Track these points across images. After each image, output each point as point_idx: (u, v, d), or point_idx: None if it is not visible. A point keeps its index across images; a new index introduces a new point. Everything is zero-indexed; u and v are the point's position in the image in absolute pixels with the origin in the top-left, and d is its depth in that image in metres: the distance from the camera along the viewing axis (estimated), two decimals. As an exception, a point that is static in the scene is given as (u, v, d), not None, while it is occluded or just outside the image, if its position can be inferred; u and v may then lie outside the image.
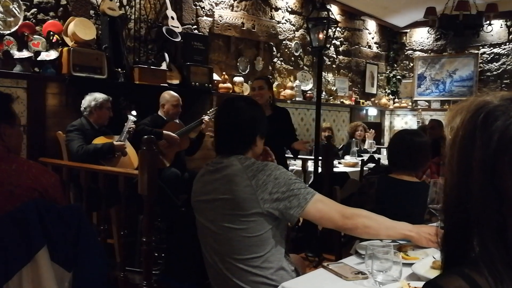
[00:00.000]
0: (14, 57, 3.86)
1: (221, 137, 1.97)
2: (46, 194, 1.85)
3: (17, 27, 3.95)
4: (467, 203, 0.82)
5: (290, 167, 5.17)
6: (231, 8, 6.03)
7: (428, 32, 8.35)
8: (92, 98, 3.92)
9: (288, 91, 6.75)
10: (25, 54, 3.91)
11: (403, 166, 2.45)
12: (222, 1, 5.91)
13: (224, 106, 2.07)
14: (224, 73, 5.86)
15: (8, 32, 3.90)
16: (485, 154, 0.80)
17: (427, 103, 8.96)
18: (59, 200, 1.90)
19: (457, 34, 7.55)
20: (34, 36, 4.05)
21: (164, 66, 4.84)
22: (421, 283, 1.49)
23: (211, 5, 5.76)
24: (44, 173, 1.92)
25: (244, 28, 6.13)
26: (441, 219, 1.89)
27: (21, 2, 3.98)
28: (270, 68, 6.76)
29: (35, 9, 4.14)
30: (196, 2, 5.56)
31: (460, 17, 6.73)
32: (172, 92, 4.44)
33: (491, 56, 8.29)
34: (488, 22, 6.90)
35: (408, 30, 9.25)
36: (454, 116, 0.87)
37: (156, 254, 3.19)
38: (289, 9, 7.00)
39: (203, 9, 5.67)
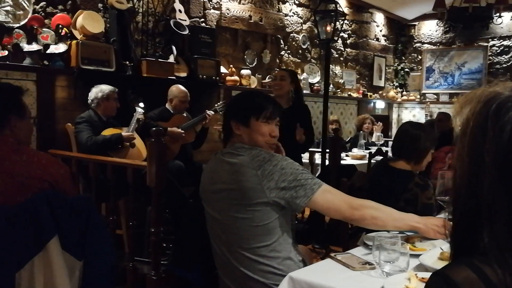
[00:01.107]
0: (24, 50, 3.88)
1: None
2: (56, 184, 1.87)
3: (26, 20, 3.97)
4: (477, 194, 0.81)
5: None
6: (238, 1, 6.02)
7: (437, 25, 8.30)
8: (98, 90, 3.95)
9: (295, 84, 6.74)
10: (34, 47, 3.94)
11: (399, 155, 2.57)
12: (230, -6, 5.91)
13: None
14: (231, 66, 5.86)
15: (18, 25, 3.93)
16: (497, 145, 0.80)
17: (435, 96, 8.92)
18: (69, 191, 1.92)
19: (466, 27, 7.52)
20: (43, 29, 4.07)
21: (171, 59, 4.86)
22: (429, 274, 1.50)
23: (219, -3, 5.76)
24: (54, 164, 1.94)
25: (252, 21, 6.13)
26: (449, 210, 1.90)
27: (30, -5, 4.00)
28: (278, 61, 6.75)
29: (44, 3, 4.16)
30: (203, -5, 5.56)
31: (469, 9, 6.69)
32: (180, 87, 4.46)
33: (501, 48, 8.23)
34: (498, 14, 6.86)
35: (416, 23, 9.19)
36: (463, 106, 0.87)
37: (164, 245, 3.22)
38: (297, 2, 6.98)
39: (211, 2, 5.67)
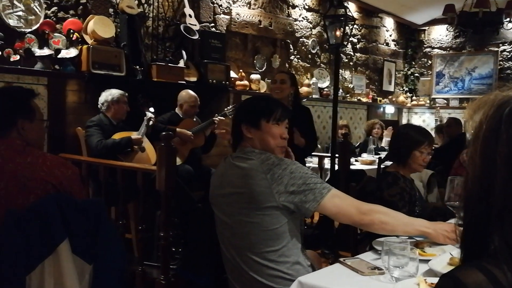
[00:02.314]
0: (35, 54, 3.92)
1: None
2: (61, 186, 1.85)
3: (38, 25, 4.01)
4: (489, 196, 0.81)
5: (307, 164, 5.17)
6: (248, 6, 6.04)
7: (447, 30, 8.25)
8: (108, 94, 3.99)
9: (304, 89, 6.75)
10: (45, 51, 3.98)
11: (390, 157, 2.63)
12: (239, -1, 5.93)
13: None
14: (241, 70, 5.88)
15: (30, 30, 3.97)
16: (509, 148, 0.81)
17: (445, 101, 8.87)
18: (76, 193, 1.90)
19: (476, 32, 7.47)
20: (55, 34, 4.11)
21: (181, 63, 4.88)
22: (438, 279, 1.49)
23: (229, 3, 5.78)
24: (60, 165, 1.92)
25: (261, 26, 6.14)
26: (458, 214, 1.88)
27: (42, 1, 4.05)
28: (287, 65, 6.76)
29: (56, 8, 4.21)
30: (213, 0, 5.59)
31: (479, 14, 6.65)
32: (190, 92, 4.47)
33: (511, 53, 8.17)
34: (508, 19, 6.81)
35: (426, 28, 9.16)
36: (476, 110, 0.87)
37: (173, 249, 3.23)
38: (306, 7, 6.99)
39: (221, 7, 5.69)
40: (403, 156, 2.47)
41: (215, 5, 5.62)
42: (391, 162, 2.67)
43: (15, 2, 3.89)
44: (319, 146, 6.28)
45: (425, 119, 9.12)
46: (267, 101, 2.04)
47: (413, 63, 9.34)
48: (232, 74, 5.61)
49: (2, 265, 1.56)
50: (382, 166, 5.05)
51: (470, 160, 0.86)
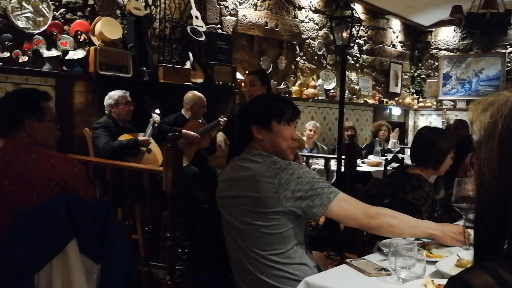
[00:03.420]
0: (43, 56, 3.96)
1: (232, 131, 2.03)
2: (65, 184, 1.86)
3: (46, 26, 4.04)
4: (506, 196, 0.80)
5: (313, 166, 5.16)
6: (254, 7, 6.05)
7: (454, 31, 8.24)
8: (107, 98, 4.01)
9: (311, 90, 6.75)
10: (53, 53, 4.01)
11: (416, 161, 2.58)
12: (246, 1, 5.94)
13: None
14: (247, 72, 5.88)
15: (38, 31, 4.00)
16: None
17: (452, 103, 8.84)
18: (80, 190, 1.91)
19: (484, 33, 7.44)
20: (63, 35, 4.14)
21: (188, 65, 4.90)
22: (445, 281, 1.49)
23: (235, 4, 5.80)
24: (65, 163, 1.94)
25: (268, 27, 6.15)
26: (466, 215, 1.88)
27: (50, 2, 4.07)
28: (293, 67, 6.77)
29: (64, 9, 4.23)
30: (220, 2, 5.61)
31: (487, 15, 6.63)
32: (198, 93, 4.48)
33: (519, 55, 8.14)
34: (516, 20, 6.77)
35: (433, 29, 9.14)
36: (485, 110, 0.86)
37: (179, 250, 3.23)
38: (313, 8, 7.00)
39: (227, 9, 5.71)
40: (437, 160, 2.48)
41: (221, 6, 5.63)
42: (412, 165, 2.63)
43: (24, 4, 3.92)
44: (325, 147, 6.29)
45: (431, 121, 9.08)
46: (278, 102, 2.00)
47: (420, 64, 9.32)
48: (238, 76, 5.62)
49: (11, 264, 1.57)
50: (388, 168, 5.04)
51: (485, 160, 0.84)
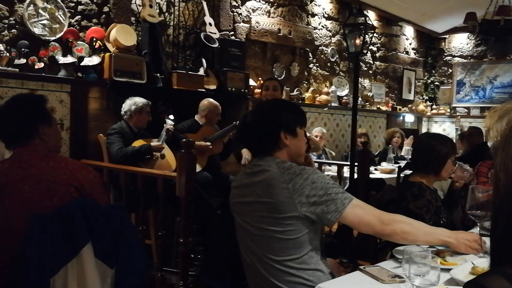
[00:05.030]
0: (59, 62, 4.01)
1: (251, 136, 2.03)
2: (83, 189, 1.88)
3: (62, 33, 4.10)
4: None
5: (326, 172, 5.15)
6: (267, 14, 6.08)
7: (468, 38, 8.18)
8: (132, 102, 4.03)
9: (323, 97, 6.75)
10: (69, 59, 4.06)
11: (416, 167, 2.55)
12: (259, 8, 5.97)
13: (256, 106, 2.17)
14: (260, 78, 5.91)
15: (54, 38, 4.06)
16: None
17: (466, 110, 8.77)
18: (97, 196, 1.93)
19: (498, 40, 7.39)
20: (78, 42, 4.20)
21: (201, 71, 4.93)
22: (460, 289, 1.47)
23: (248, 11, 5.83)
24: (82, 169, 1.96)
25: (281, 34, 6.17)
26: (481, 223, 1.86)
27: (66, 10, 4.13)
28: (306, 73, 6.77)
29: (79, 16, 4.29)
30: (233, 9, 5.64)
31: (501, 22, 6.59)
32: (214, 102, 4.50)
33: (534, 62, 8.06)
34: (531, 27, 6.71)
35: (447, 36, 9.09)
36: (501, 117, 0.86)
37: (192, 256, 3.24)
38: (326, 15, 7.01)
39: (240, 16, 5.74)
40: (437, 166, 2.45)
41: (234, 13, 5.67)
42: (411, 172, 2.63)
43: (40, 11, 3.98)
44: (333, 153, 6.26)
45: (445, 128, 9.02)
46: (298, 108, 2.08)
47: (433, 71, 9.27)
48: (251, 82, 5.64)
49: (27, 267, 1.59)
50: (401, 175, 5.01)
51: (502, 166, 0.84)
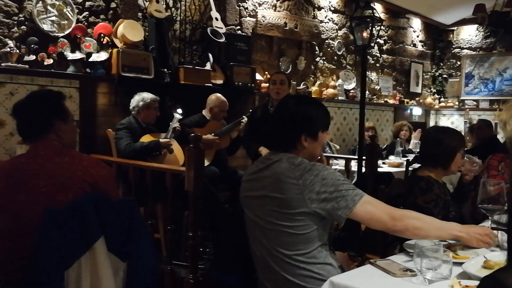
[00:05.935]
0: (68, 58, 4.03)
1: (270, 132, 2.02)
2: (96, 185, 1.91)
3: (70, 29, 4.12)
4: None
5: (333, 167, 5.15)
6: (274, 8, 6.06)
7: (477, 30, 8.12)
8: (140, 98, 4.04)
9: (330, 90, 6.73)
10: (77, 55, 4.08)
11: (425, 161, 2.53)
12: (265, 2, 5.96)
13: (280, 101, 2.13)
14: (266, 72, 5.90)
15: (62, 34, 4.08)
16: None
17: (475, 103, 8.72)
18: (110, 192, 1.96)
19: (508, 32, 7.33)
20: (86, 38, 4.21)
21: (208, 66, 4.93)
22: (472, 282, 1.47)
23: (254, 5, 5.82)
24: (96, 165, 1.99)
25: (287, 28, 6.16)
26: (492, 217, 1.85)
27: (74, 6, 4.15)
28: (313, 67, 6.76)
29: (87, 12, 4.30)
30: (239, 3, 5.63)
31: (511, 14, 6.52)
32: (222, 98, 4.51)
33: (544, 54, 8.00)
34: (540, 18, 6.65)
35: (455, 28, 9.03)
36: None
37: (201, 249, 3.26)
38: (332, 8, 6.98)
39: (247, 10, 5.73)
40: (445, 160, 2.43)
41: (241, 8, 5.65)
42: (420, 166, 2.62)
43: (49, 8, 4.00)
44: (337, 146, 6.25)
45: (453, 121, 8.98)
46: (324, 111, 2.01)
47: (441, 64, 9.21)
48: (258, 77, 5.63)
49: (42, 261, 1.61)
50: (410, 169, 5.00)
51: None
